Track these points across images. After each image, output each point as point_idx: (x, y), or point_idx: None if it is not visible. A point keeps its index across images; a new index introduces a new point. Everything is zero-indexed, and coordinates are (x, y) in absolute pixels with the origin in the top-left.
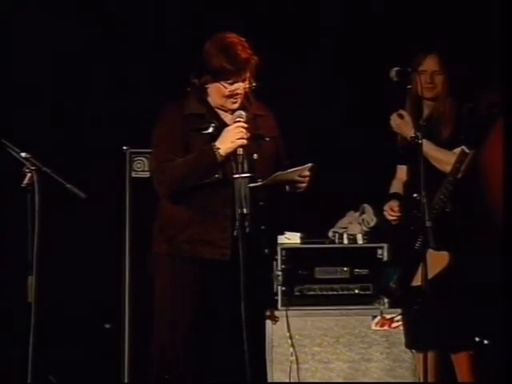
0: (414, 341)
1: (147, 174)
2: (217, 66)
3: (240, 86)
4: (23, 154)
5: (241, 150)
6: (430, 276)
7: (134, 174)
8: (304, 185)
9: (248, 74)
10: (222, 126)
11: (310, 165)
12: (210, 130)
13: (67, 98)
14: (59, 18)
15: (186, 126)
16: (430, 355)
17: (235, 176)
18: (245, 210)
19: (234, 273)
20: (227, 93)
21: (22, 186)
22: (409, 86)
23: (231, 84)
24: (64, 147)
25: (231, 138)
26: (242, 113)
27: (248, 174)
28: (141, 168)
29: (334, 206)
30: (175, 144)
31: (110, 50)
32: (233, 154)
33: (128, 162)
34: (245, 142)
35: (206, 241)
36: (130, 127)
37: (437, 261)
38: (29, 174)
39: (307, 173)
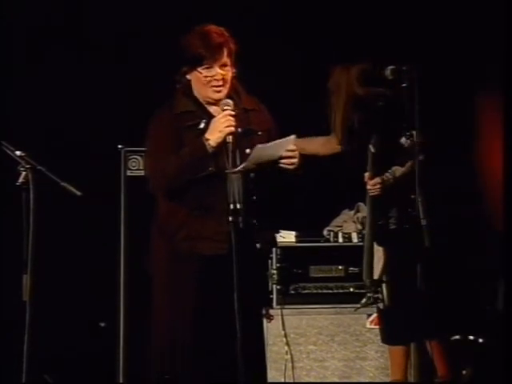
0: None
1: (142, 173)
2: (191, 52)
3: (217, 72)
4: (18, 153)
5: (230, 137)
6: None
7: (129, 173)
8: (295, 160)
9: (226, 60)
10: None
11: (292, 137)
12: (202, 125)
13: (63, 96)
14: (57, 16)
15: (178, 124)
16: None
17: (227, 171)
18: (238, 206)
19: (232, 268)
20: (203, 79)
21: (17, 184)
22: (404, 85)
23: (207, 69)
24: (59, 145)
25: (219, 128)
26: (229, 101)
27: (238, 168)
28: (136, 167)
29: (329, 204)
30: (169, 143)
31: (108, 49)
32: (223, 143)
33: (123, 161)
34: (233, 129)
35: (203, 236)
36: (126, 126)
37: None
38: (24, 173)
39: (293, 147)
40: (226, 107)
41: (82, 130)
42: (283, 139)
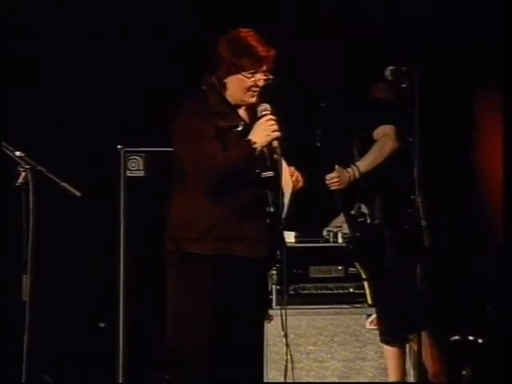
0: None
1: (142, 173)
2: (237, 61)
3: (261, 78)
4: (18, 153)
5: (276, 142)
6: None
7: (128, 173)
8: (297, 174)
9: (266, 68)
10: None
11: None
12: (240, 128)
13: (62, 96)
14: (57, 16)
15: (217, 122)
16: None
17: (264, 174)
18: (271, 209)
19: (262, 270)
20: (249, 83)
21: (17, 184)
22: (403, 85)
23: (253, 74)
24: (59, 146)
25: (266, 131)
26: (267, 105)
27: (271, 173)
28: (135, 167)
29: (329, 204)
30: (213, 139)
31: (107, 49)
32: (268, 146)
33: (123, 161)
34: (279, 134)
35: (240, 238)
36: (125, 126)
37: None
38: (23, 173)
39: (290, 168)
40: (265, 112)
41: (81, 130)
42: (281, 166)
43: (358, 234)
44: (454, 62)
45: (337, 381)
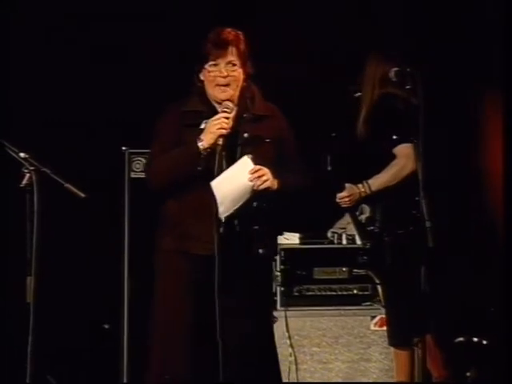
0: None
1: None
2: (200, 49)
3: (221, 69)
4: (22, 154)
5: (220, 140)
6: None
7: (132, 175)
8: (265, 177)
9: (232, 59)
10: None
11: (245, 157)
12: (202, 125)
13: (65, 97)
14: (58, 16)
15: (182, 122)
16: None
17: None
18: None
19: (222, 269)
20: (209, 77)
21: (21, 186)
22: (408, 87)
23: (213, 66)
24: (63, 147)
25: (211, 129)
26: (229, 104)
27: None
28: (140, 168)
29: (333, 206)
30: (166, 141)
31: (111, 50)
32: (215, 145)
33: (127, 163)
34: (224, 132)
35: (193, 236)
36: (129, 127)
37: None
38: (28, 175)
39: (255, 167)
40: (224, 109)
41: (86, 131)
42: (236, 165)
43: (368, 246)
44: (454, 62)
45: (341, 382)
